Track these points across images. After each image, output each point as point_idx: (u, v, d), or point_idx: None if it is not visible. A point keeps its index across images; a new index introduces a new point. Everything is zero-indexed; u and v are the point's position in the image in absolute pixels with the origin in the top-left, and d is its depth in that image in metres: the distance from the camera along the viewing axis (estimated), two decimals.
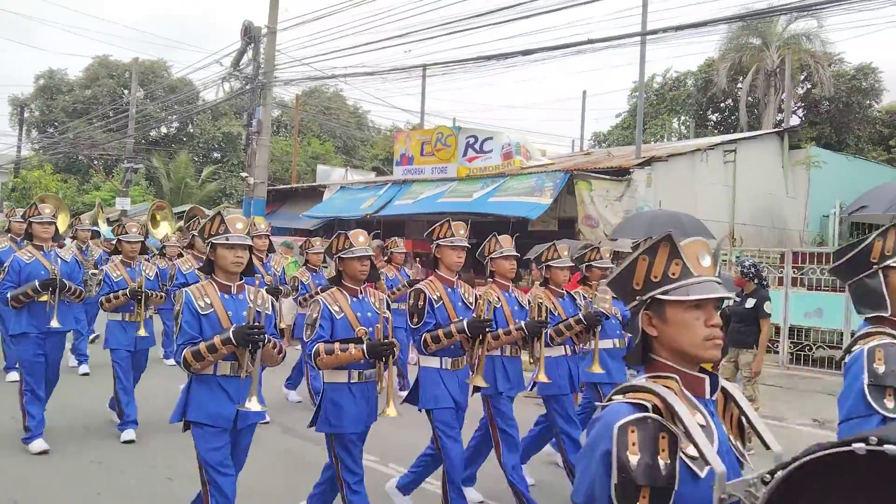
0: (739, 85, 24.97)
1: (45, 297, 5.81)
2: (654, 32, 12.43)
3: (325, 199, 16.50)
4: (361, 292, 3.94)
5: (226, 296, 3.53)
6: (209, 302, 3.49)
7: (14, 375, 7.48)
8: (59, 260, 5.97)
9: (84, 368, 8.85)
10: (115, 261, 6.56)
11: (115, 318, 6.23)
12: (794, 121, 25.10)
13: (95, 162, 32.48)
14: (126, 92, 33.79)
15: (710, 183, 12.74)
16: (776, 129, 15.48)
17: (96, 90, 35.30)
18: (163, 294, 6.49)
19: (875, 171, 16.29)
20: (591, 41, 13.27)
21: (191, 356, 3.32)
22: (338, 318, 3.75)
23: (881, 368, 2.28)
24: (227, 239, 3.50)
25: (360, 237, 3.92)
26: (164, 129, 36.80)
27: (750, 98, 24.58)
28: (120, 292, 6.10)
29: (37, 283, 5.70)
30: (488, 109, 49.58)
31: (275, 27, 17.45)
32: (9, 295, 5.68)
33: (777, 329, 10.50)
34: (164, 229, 9.53)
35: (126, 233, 6.42)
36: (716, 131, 25.91)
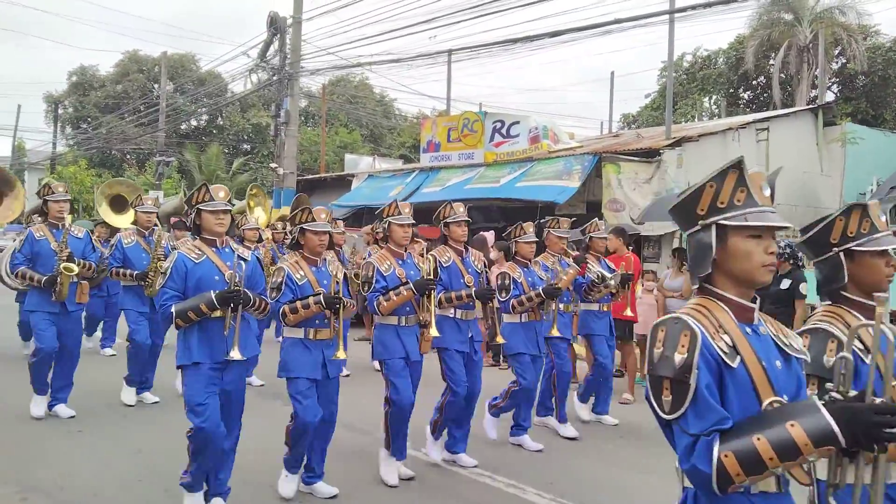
0: (771, 62, 24.46)
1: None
2: (682, 10, 12.25)
3: (354, 188, 16.58)
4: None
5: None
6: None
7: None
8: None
9: (109, 351, 9.35)
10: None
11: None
12: (829, 97, 24.53)
13: (128, 156, 33.08)
14: (156, 86, 34.33)
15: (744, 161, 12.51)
16: (810, 107, 15.14)
17: (127, 85, 35.89)
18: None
19: None
20: (618, 21, 13.11)
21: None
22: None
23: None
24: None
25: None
26: (194, 122, 37.30)
27: (782, 75, 24.08)
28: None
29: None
30: (515, 94, 49.22)
31: (300, 17, 17.53)
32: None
33: (812, 309, 10.32)
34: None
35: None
36: (748, 110, 25.45)
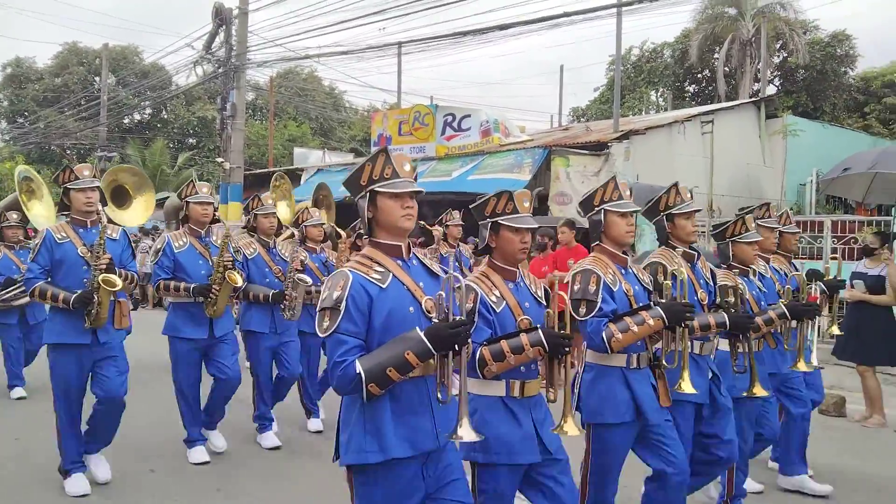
0: (716, 55, 24.97)
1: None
2: (629, 4, 12.36)
3: (303, 183, 16.33)
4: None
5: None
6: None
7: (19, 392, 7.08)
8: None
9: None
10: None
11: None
12: (771, 90, 25.18)
13: (68, 151, 31.94)
14: (97, 79, 33.21)
15: (689, 155, 12.75)
16: (753, 100, 15.51)
17: (66, 78, 34.62)
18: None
19: (851, 138, 16.40)
20: (566, 14, 13.18)
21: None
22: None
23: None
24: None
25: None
26: (137, 116, 36.24)
27: (726, 68, 24.59)
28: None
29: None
30: (467, 86, 49.26)
31: (246, 8, 17.13)
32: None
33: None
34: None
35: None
36: (693, 103, 25.93)
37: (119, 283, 4.27)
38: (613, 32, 12.34)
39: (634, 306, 3.21)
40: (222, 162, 16.58)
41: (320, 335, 2.35)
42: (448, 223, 7.58)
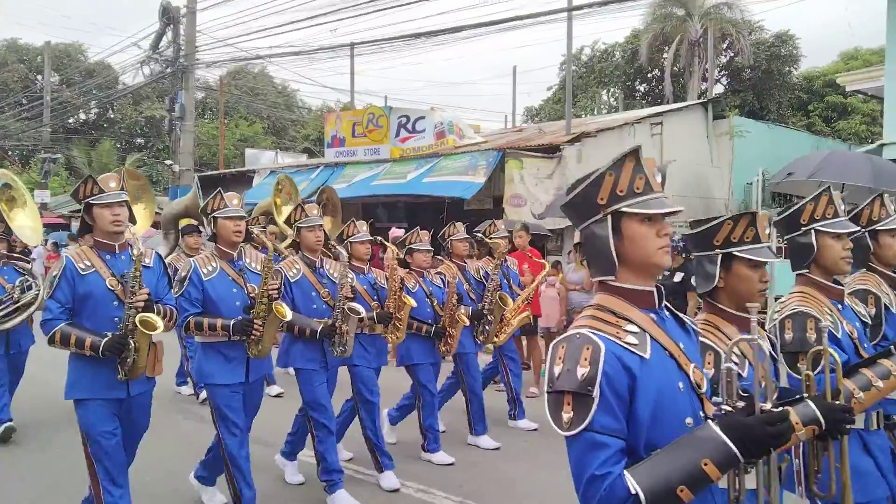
0: (665, 55, 25.46)
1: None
2: (579, 8, 12.52)
3: (256, 185, 16.10)
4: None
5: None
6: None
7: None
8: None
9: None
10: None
11: None
12: (719, 89, 25.81)
13: (10, 153, 30.85)
14: (39, 77, 32.16)
15: None
16: (700, 101, 15.86)
17: (6, 76, 33.44)
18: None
19: (794, 138, 16.90)
20: (519, 17, 13.31)
21: None
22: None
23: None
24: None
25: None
26: (82, 116, 35.22)
27: (675, 68, 25.11)
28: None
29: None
30: (423, 87, 49.21)
31: (194, 7, 16.83)
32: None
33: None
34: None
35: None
36: (644, 102, 26.41)
37: (160, 324, 3.45)
38: (567, 34, 12.48)
39: (861, 351, 2.60)
40: (171, 164, 16.24)
41: (561, 431, 1.64)
42: (452, 237, 6.03)
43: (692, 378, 1.76)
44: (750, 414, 1.65)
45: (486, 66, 59.90)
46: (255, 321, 3.95)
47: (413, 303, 5.14)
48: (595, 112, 26.48)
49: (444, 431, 5.94)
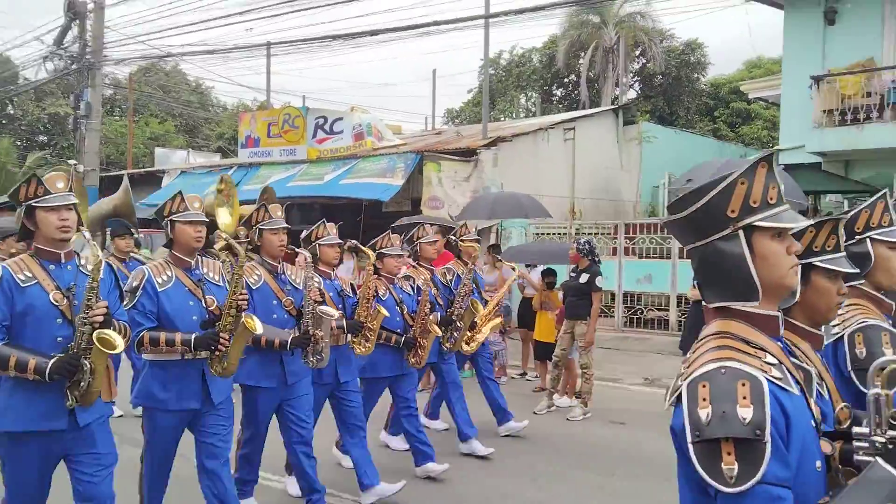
0: (581, 61, 26.17)
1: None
2: (496, 15, 12.74)
3: (165, 186, 15.63)
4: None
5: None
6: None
7: None
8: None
9: None
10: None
11: None
12: (632, 94, 26.74)
13: None
14: None
15: (553, 160, 13.35)
16: (611, 107, 16.43)
17: None
18: None
19: (699, 143, 17.74)
20: (436, 23, 13.41)
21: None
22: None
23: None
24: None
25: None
26: None
27: (591, 73, 25.85)
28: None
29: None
30: (345, 88, 48.80)
31: (102, 2, 16.16)
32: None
33: (612, 295, 11.30)
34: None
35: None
36: (561, 106, 27.06)
37: (120, 343, 2.98)
38: (484, 40, 12.68)
39: None
40: (75, 164, 15.55)
41: (722, 487, 1.33)
42: (421, 240, 5.79)
43: (814, 415, 1.52)
44: None
45: (409, 68, 59.98)
46: (220, 335, 3.52)
47: (386, 313, 4.81)
48: (514, 115, 26.95)
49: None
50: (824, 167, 12.67)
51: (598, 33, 25.32)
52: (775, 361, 1.45)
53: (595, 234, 11.73)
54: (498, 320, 6.57)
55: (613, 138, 15.23)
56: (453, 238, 6.36)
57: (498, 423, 6.25)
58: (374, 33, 13.50)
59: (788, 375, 1.46)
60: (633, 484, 5.08)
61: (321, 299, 4.25)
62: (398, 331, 5.08)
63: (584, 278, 7.28)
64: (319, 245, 4.60)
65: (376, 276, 5.00)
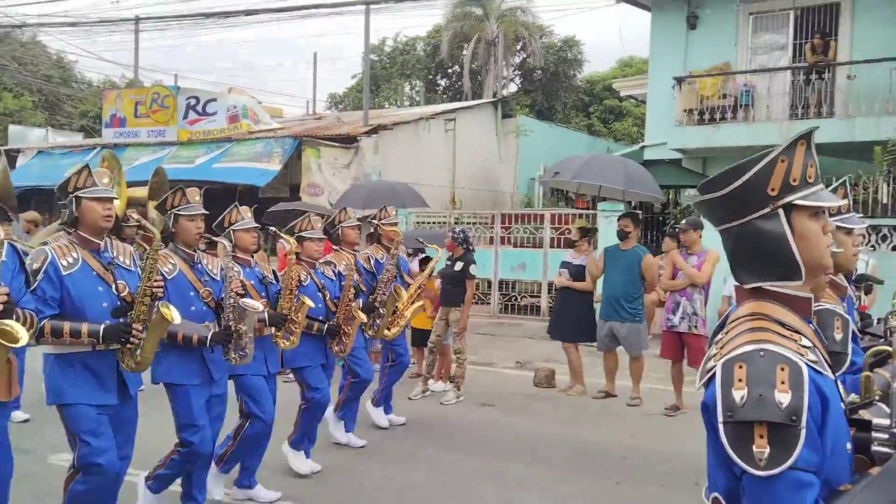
0: (464, 52, 26.52)
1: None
2: (376, 2, 12.67)
3: (20, 166, 14.46)
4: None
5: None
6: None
7: None
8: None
9: None
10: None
11: None
12: (513, 88, 27.41)
13: None
14: None
15: (433, 150, 13.48)
16: (490, 100, 16.78)
17: None
18: None
19: (574, 138, 18.47)
20: (316, 6, 13.16)
21: None
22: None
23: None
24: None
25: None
26: None
27: (474, 65, 26.25)
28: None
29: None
30: (222, 68, 46.80)
31: None
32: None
33: (488, 283, 11.60)
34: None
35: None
36: (445, 96, 27.33)
37: (24, 335, 2.65)
38: (364, 27, 12.57)
39: None
40: None
41: (752, 469, 1.32)
42: (343, 224, 5.53)
43: (842, 394, 1.50)
44: None
45: (295, 51, 58.46)
46: (133, 325, 3.20)
47: (311, 303, 4.53)
48: (398, 103, 26.94)
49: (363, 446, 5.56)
50: (685, 164, 13.55)
51: (480, 26, 25.73)
52: (810, 344, 1.43)
53: (473, 223, 11.97)
54: (419, 304, 6.47)
55: (493, 130, 15.58)
56: (374, 222, 6.18)
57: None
58: (249, 13, 13.07)
59: (821, 358, 1.44)
60: (503, 464, 5.25)
61: (243, 291, 3.93)
62: (321, 318, 4.84)
63: (458, 266, 7.41)
64: (234, 231, 4.26)
65: (296, 261, 4.73)
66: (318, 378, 4.89)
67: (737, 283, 1.57)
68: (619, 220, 7.43)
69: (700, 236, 6.75)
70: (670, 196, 14.11)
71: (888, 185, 9.38)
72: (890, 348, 2.10)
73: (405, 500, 4.62)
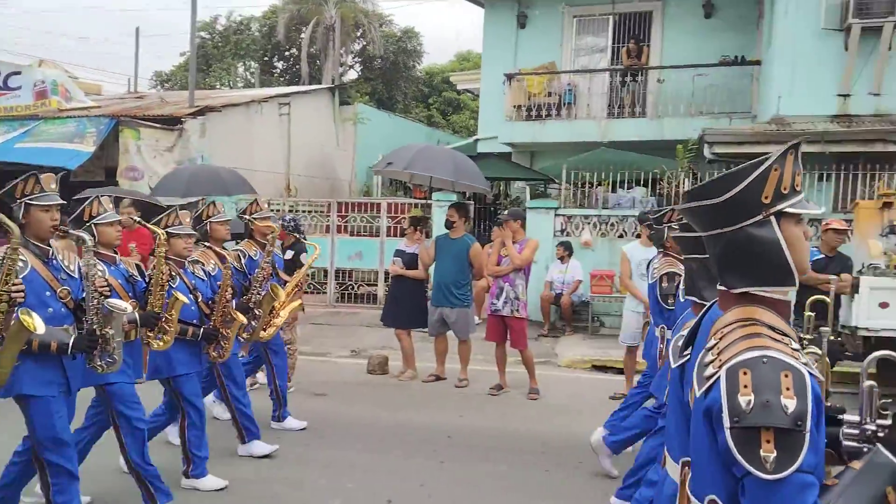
0: (303, 36, 25.91)
1: None
2: None
3: None
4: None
5: None
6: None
7: None
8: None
9: None
10: None
11: None
12: (353, 75, 27.20)
13: None
14: None
15: (267, 135, 13.08)
16: (328, 86, 16.56)
17: None
18: None
19: (411, 128, 18.71)
20: None
21: None
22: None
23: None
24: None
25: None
26: None
27: (313, 49, 25.73)
28: None
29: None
30: (32, 37, 42.07)
31: None
32: None
33: (325, 272, 11.50)
34: None
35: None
36: (282, 80, 26.57)
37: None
38: (191, 4, 11.89)
39: None
40: None
41: (759, 473, 1.37)
42: (212, 219, 5.15)
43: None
44: None
45: (117, 23, 53.94)
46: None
47: (185, 299, 4.21)
48: (231, 85, 25.82)
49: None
50: (514, 157, 14.20)
51: (318, 9, 25.25)
52: (798, 347, 1.46)
53: (309, 211, 11.79)
54: (297, 303, 6.16)
55: (330, 117, 15.39)
56: (245, 217, 5.78)
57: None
58: None
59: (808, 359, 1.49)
60: (333, 451, 5.25)
61: (108, 292, 3.59)
62: (194, 322, 4.47)
63: (289, 255, 7.29)
64: (96, 225, 3.87)
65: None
66: (194, 388, 4.56)
67: (722, 288, 1.61)
68: (448, 210, 7.66)
69: (521, 226, 7.09)
70: (501, 188, 14.70)
71: (689, 179, 10.39)
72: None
73: (237, 496, 4.50)
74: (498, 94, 13.61)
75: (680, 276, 4.14)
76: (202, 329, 4.51)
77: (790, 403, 1.34)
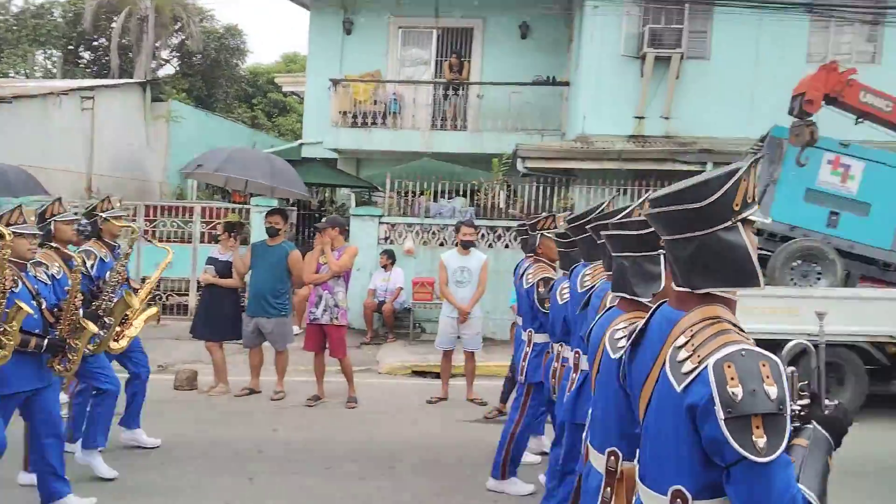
0: (113, 25, 24.01)
1: None
2: None
3: None
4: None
5: None
6: None
7: None
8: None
9: None
10: None
11: None
12: (170, 70, 25.65)
13: None
14: None
15: (67, 130, 11.93)
16: (138, 81, 15.47)
17: None
18: None
19: (233, 129, 17.97)
20: None
21: None
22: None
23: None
24: None
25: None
26: None
27: (125, 41, 23.91)
28: None
29: None
30: None
31: None
32: None
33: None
34: None
35: None
36: (88, 72, 24.46)
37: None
38: None
39: None
40: None
41: (754, 457, 1.47)
42: (55, 218, 4.80)
43: None
44: (824, 410, 1.74)
45: None
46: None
47: (30, 310, 3.74)
48: (27, 74, 23.32)
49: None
50: (340, 164, 14.12)
51: None
52: (753, 339, 1.59)
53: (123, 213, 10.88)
54: (153, 310, 5.57)
55: (140, 114, 14.36)
56: (100, 215, 5.31)
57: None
58: None
59: None
60: (125, 475, 4.87)
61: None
62: (37, 331, 3.98)
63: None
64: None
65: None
66: (40, 407, 4.08)
67: (682, 288, 1.72)
68: (266, 216, 7.42)
69: (340, 233, 7.04)
70: (327, 194, 14.55)
71: (503, 191, 10.90)
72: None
73: None
74: (324, 99, 13.47)
75: (553, 280, 4.30)
76: (46, 340, 4.04)
77: (772, 390, 1.47)
